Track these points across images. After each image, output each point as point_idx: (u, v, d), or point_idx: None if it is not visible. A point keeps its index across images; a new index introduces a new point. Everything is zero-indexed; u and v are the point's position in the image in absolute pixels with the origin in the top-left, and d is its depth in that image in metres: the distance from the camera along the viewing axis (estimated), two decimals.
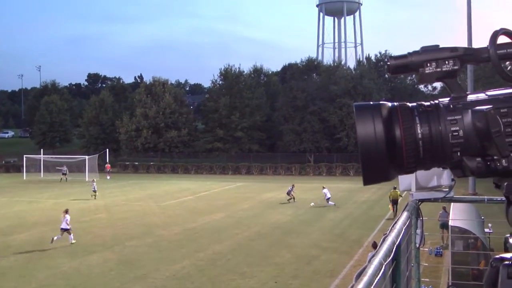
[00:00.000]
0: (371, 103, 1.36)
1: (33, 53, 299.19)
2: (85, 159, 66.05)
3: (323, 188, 40.00)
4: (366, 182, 1.37)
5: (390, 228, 3.62)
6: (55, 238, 26.19)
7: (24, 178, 66.92)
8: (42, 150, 75.89)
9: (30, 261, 23.20)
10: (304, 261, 22.92)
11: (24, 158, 70.71)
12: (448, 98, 1.38)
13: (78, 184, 58.20)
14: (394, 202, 33.08)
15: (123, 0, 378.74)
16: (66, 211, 27.94)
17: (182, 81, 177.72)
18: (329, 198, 39.14)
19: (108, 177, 64.78)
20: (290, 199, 41.17)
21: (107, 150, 72.89)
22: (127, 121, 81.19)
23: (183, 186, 54.60)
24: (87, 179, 62.65)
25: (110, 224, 32.26)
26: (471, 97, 1.37)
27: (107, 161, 70.60)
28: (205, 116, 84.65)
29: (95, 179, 49.18)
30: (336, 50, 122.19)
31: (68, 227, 26.99)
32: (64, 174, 63.69)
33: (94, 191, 45.13)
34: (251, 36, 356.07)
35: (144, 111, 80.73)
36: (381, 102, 1.36)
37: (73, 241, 26.72)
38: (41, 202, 43.66)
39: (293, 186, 42.43)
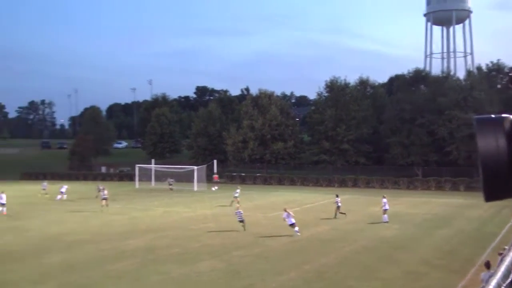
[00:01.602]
0: (493, 116, 1.33)
1: (145, 67, 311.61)
2: (193, 170, 67.75)
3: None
4: (488, 198, 1.34)
5: (509, 247, 3.52)
6: (295, 233, 31.22)
7: (137, 186, 69.60)
8: (153, 160, 78.74)
9: (142, 266, 24.14)
10: (412, 278, 22.34)
11: (136, 168, 73.35)
12: None
13: (187, 194, 59.97)
14: None
15: (229, 14, 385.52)
16: (285, 209, 32.27)
17: (288, 93, 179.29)
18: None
19: (213, 188, 66.03)
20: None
21: (215, 161, 74.22)
22: (234, 132, 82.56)
23: (289, 198, 54.67)
24: (195, 189, 64.39)
25: (218, 233, 32.91)
26: None
27: (215, 171, 71.89)
28: (311, 128, 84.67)
29: (239, 187, 51.95)
30: (445, 60, 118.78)
31: (294, 222, 31.36)
32: (170, 185, 66.01)
33: (235, 197, 47.87)
34: (356, 47, 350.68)
35: (250, 123, 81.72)
36: (503, 116, 1.34)
37: (298, 233, 31.26)
38: (152, 209, 45.38)
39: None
